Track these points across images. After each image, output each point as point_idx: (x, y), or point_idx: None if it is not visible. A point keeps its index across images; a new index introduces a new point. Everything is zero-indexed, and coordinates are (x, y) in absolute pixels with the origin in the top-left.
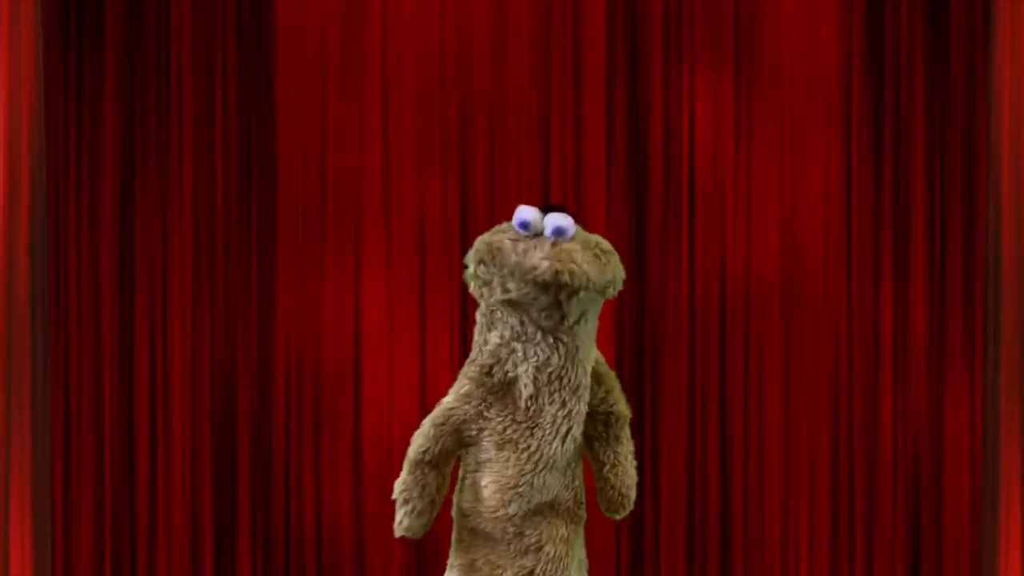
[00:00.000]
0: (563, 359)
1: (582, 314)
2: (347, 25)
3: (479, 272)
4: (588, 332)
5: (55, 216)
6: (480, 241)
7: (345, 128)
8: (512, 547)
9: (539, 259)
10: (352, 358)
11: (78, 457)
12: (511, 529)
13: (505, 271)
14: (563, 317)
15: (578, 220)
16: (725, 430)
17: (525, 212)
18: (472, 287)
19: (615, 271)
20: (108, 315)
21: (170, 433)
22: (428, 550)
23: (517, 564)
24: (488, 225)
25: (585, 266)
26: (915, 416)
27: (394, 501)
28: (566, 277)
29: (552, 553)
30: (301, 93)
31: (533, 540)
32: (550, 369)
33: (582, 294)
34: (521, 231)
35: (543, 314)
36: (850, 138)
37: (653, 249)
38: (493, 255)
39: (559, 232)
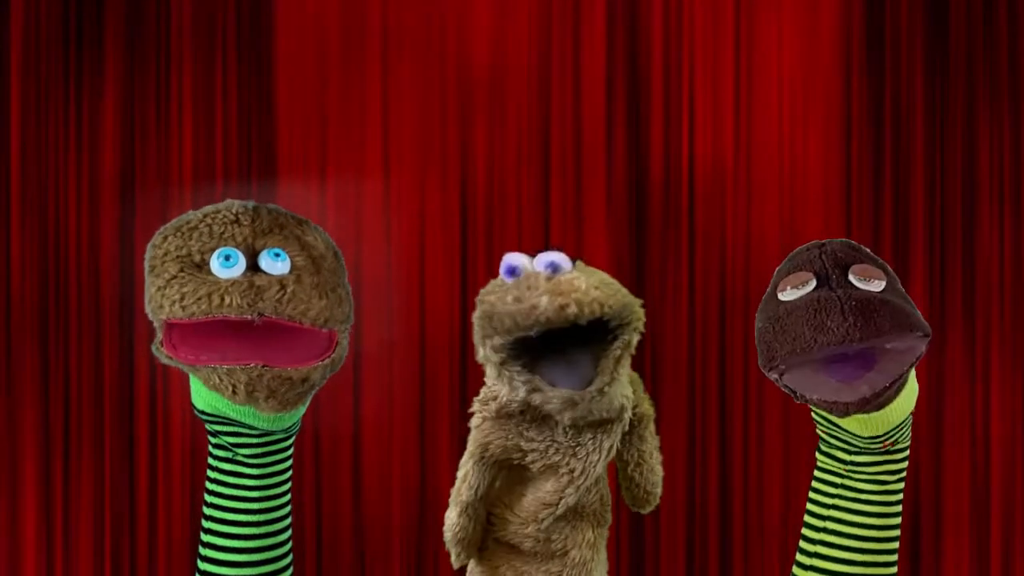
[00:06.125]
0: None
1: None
2: (347, 24)
3: (488, 355)
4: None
5: (55, 215)
6: (474, 318)
7: (346, 128)
8: (538, 554)
9: (536, 297)
10: (351, 358)
11: (77, 456)
12: (541, 537)
13: (508, 335)
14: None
15: (578, 222)
16: (725, 430)
17: (512, 258)
18: (489, 373)
19: (629, 297)
20: (108, 314)
21: (170, 433)
22: (428, 552)
23: (543, 570)
24: (488, 223)
25: (592, 292)
26: (915, 414)
27: (446, 540)
28: (572, 310)
29: (578, 558)
30: (301, 93)
31: (559, 545)
32: (582, 418)
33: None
34: (509, 279)
35: None
36: (850, 137)
37: (653, 249)
38: (492, 324)
39: (554, 267)
